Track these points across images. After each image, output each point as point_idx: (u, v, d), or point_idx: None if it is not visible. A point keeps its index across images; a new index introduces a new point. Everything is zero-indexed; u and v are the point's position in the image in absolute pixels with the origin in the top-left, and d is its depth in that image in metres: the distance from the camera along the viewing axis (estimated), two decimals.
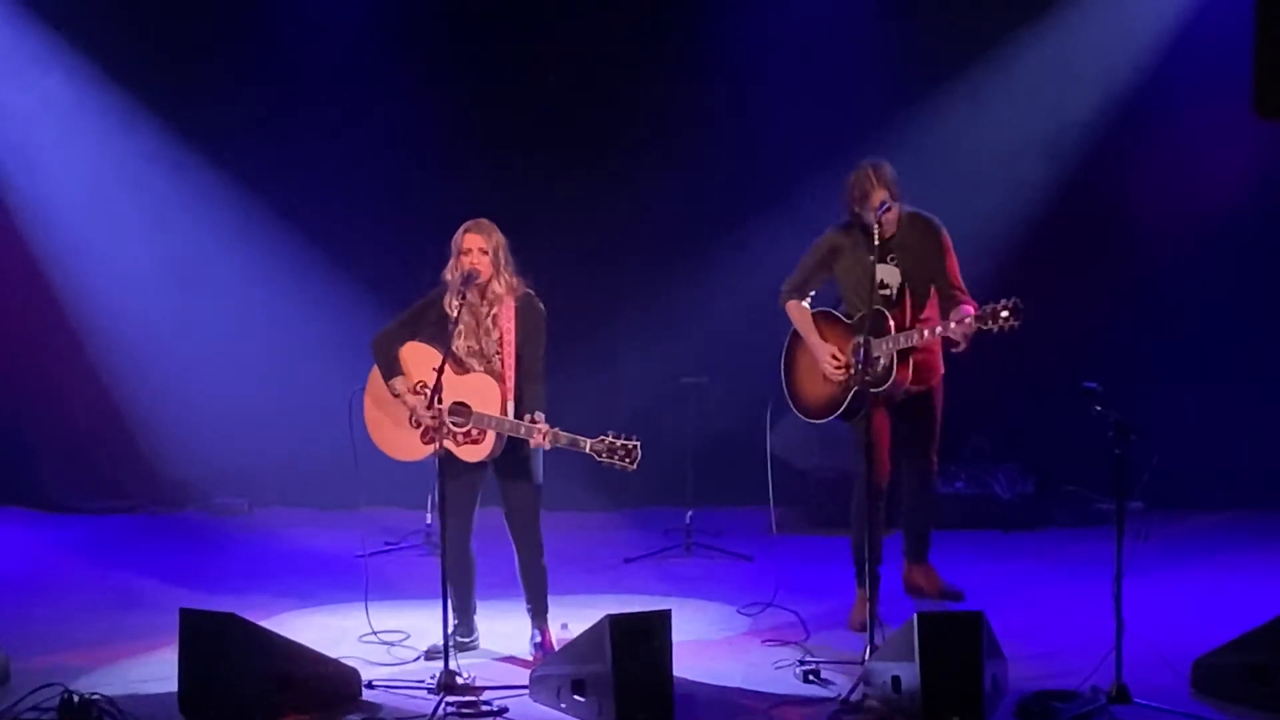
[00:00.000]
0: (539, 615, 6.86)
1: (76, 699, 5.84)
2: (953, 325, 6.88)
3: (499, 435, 6.58)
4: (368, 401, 6.91)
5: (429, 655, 6.69)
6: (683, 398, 8.89)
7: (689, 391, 8.89)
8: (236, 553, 8.90)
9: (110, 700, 5.90)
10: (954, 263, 7.22)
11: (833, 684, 6.33)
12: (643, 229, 9.81)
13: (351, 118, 9.73)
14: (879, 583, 7.07)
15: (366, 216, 9.81)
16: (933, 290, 7.17)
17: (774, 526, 7.87)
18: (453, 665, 6.26)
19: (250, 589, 7.90)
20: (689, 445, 8.86)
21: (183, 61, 9.72)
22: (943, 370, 7.31)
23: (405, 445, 6.76)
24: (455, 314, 6.63)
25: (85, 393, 9.88)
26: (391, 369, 6.76)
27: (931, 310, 7.17)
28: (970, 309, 6.94)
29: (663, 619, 5.95)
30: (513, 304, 6.70)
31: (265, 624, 6.28)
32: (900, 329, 7.01)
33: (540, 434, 6.43)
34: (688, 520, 8.75)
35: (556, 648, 6.60)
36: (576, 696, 6.00)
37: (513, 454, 6.67)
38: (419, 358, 6.73)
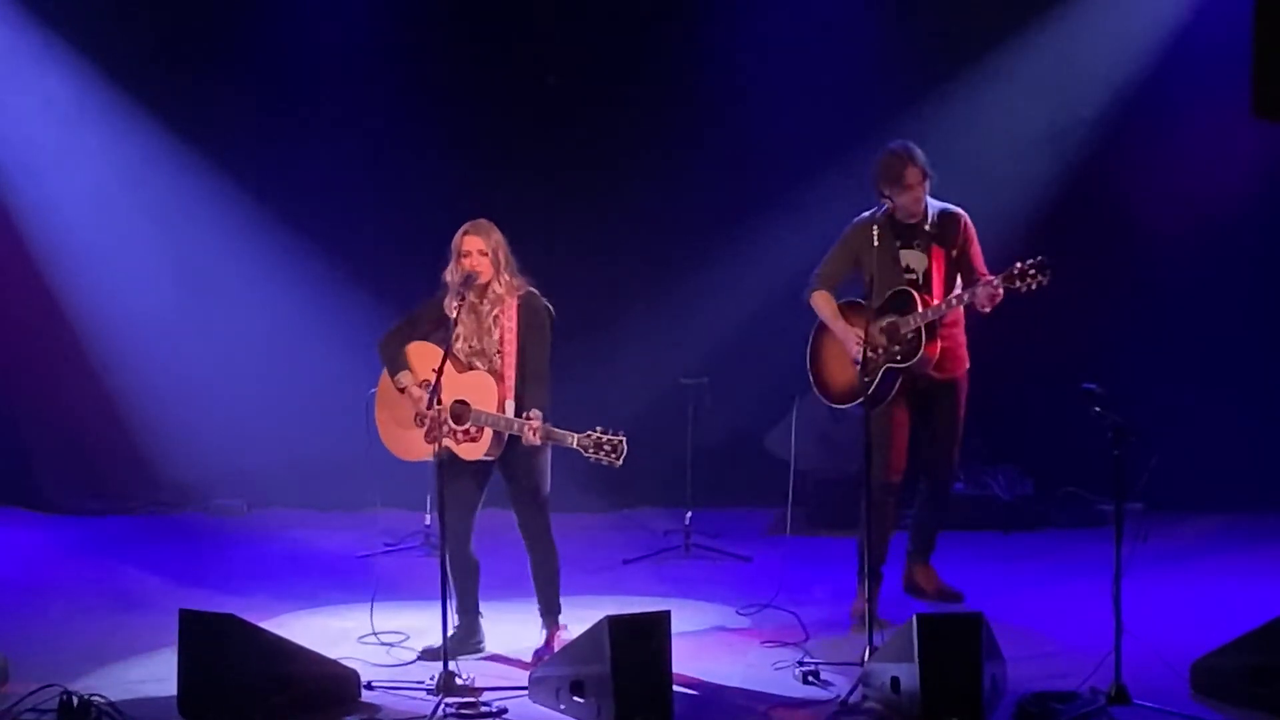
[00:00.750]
0: (549, 615, 6.85)
1: (76, 700, 5.84)
2: (979, 290, 6.92)
3: (496, 434, 6.58)
4: (378, 404, 6.93)
5: (425, 656, 6.68)
6: (683, 398, 8.89)
7: (689, 392, 8.89)
8: (236, 554, 8.90)
9: (110, 701, 5.89)
10: (978, 251, 7.26)
11: (832, 685, 6.32)
12: (643, 229, 9.81)
13: (352, 119, 9.74)
14: (880, 582, 7.06)
15: (366, 218, 9.82)
16: (958, 278, 7.19)
17: (788, 527, 7.85)
18: (452, 666, 6.26)
19: (249, 590, 7.90)
20: (688, 446, 8.86)
21: (184, 62, 9.73)
22: (968, 363, 7.31)
23: (412, 445, 6.77)
24: (455, 316, 6.64)
25: (84, 394, 9.88)
26: (396, 365, 6.77)
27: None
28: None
29: (662, 620, 5.94)
30: (514, 304, 6.71)
31: (265, 625, 6.28)
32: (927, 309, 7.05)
33: (530, 430, 6.45)
34: (687, 521, 8.75)
35: (556, 649, 6.59)
36: (576, 697, 6.00)
37: (520, 456, 6.67)
38: (424, 356, 6.74)
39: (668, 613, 5.98)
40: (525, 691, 6.27)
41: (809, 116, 9.49)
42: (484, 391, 6.60)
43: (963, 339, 7.26)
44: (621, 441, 6.38)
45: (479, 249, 6.66)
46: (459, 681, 6.24)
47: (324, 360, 9.55)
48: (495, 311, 6.71)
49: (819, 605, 7.47)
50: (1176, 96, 9.37)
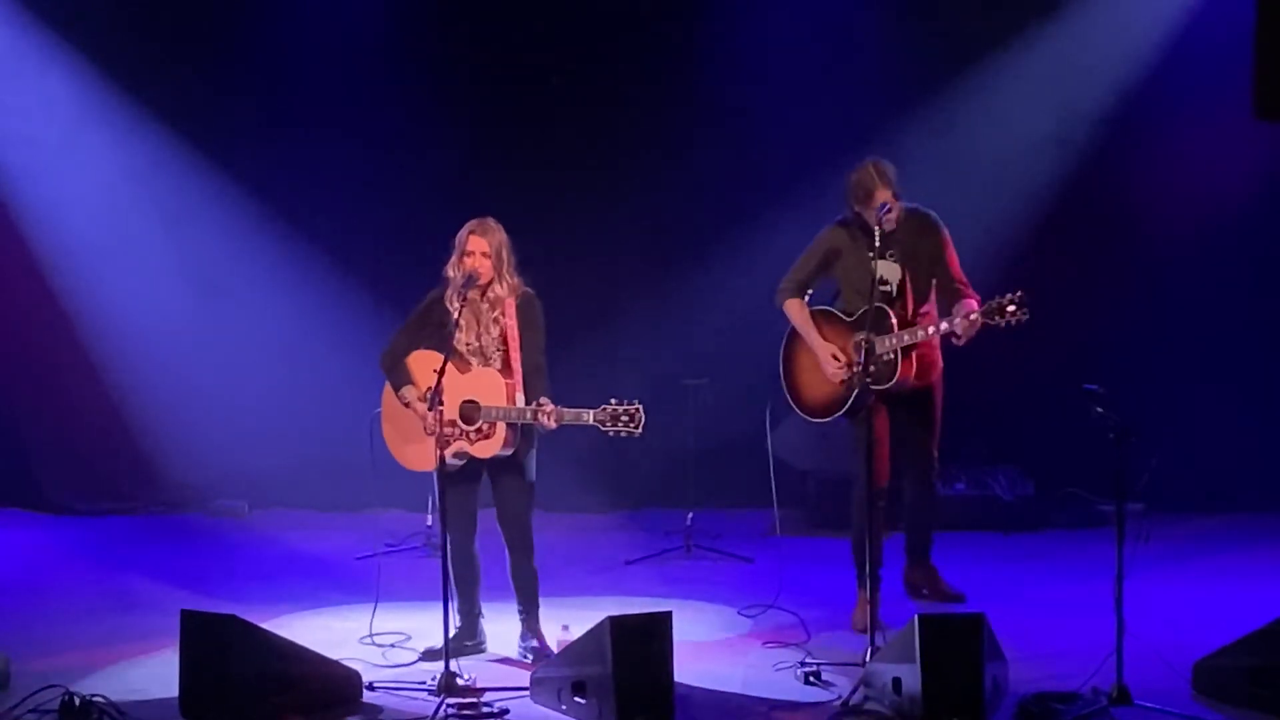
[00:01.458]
0: (531, 618, 6.84)
1: (77, 701, 5.85)
2: (958, 321, 6.89)
3: (511, 427, 6.57)
4: (384, 420, 6.92)
5: (426, 656, 6.69)
6: (683, 399, 8.89)
7: (689, 392, 8.89)
8: (238, 555, 8.90)
9: (111, 702, 5.90)
10: (954, 256, 7.23)
11: (833, 686, 6.32)
12: (643, 229, 9.81)
13: (353, 120, 9.73)
14: (880, 584, 7.06)
15: (368, 219, 9.81)
16: (933, 285, 7.17)
17: (777, 527, 7.86)
18: (453, 667, 6.26)
19: (251, 590, 7.89)
20: (689, 447, 8.87)
21: (186, 62, 9.72)
22: (941, 365, 7.31)
23: (424, 456, 6.71)
24: (456, 313, 6.65)
25: (86, 394, 9.88)
26: (400, 380, 6.76)
27: (932, 304, 7.18)
28: (973, 303, 6.95)
29: (663, 621, 5.95)
30: (514, 303, 6.73)
31: (266, 625, 6.27)
32: (902, 325, 7.01)
33: (546, 415, 6.44)
34: (688, 522, 8.74)
35: (556, 650, 6.59)
36: (577, 698, 6.00)
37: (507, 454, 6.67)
38: (426, 365, 6.71)
39: (669, 613, 5.99)
40: (526, 692, 6.28)
41: (809, 116, 9.48)
42: (491, 387, 6.60)
43: (937, 343, 7.21)
44: (639, 410, 6.34)
45: (482, 250, 6.67)
46: (460, 682, 6.25)
47: (326, 362, 9.56)
48: (495, 313, 6.72)
49: (821, 606, 7.46)
50: (1177, 97, 9.36)
